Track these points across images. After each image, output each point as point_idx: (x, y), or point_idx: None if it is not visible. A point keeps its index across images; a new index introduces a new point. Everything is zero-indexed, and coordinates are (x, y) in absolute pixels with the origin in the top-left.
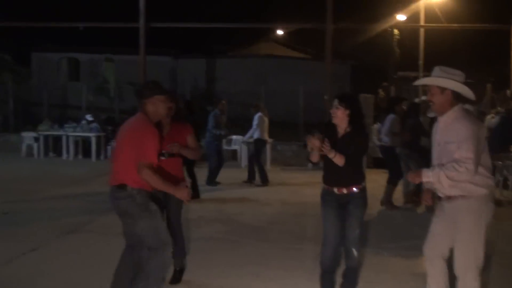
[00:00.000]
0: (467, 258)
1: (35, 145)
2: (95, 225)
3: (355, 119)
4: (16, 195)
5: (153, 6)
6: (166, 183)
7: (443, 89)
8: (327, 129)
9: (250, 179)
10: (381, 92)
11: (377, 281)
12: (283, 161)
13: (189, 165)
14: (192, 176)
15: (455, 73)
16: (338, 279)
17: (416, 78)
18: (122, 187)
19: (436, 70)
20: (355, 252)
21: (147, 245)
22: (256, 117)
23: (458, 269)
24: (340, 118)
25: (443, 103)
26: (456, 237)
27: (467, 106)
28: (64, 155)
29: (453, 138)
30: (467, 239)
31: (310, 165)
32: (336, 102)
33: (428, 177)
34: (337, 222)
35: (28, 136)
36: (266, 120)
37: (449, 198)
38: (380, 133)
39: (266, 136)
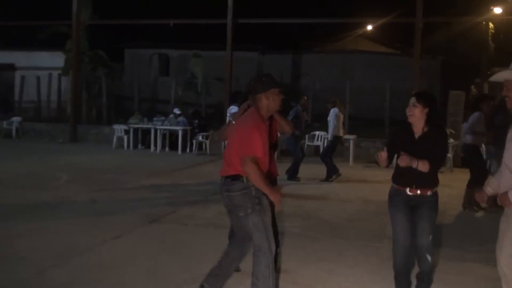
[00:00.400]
0: None
1: (125, 137)
2: (177, 216)
3: (433, 118)
4: (104, 184)
5: (241, 2)
6: (265, 182)
7: None
8: (402, 129)
9: (329, 176)
10: (473, 89)
11: (457, 284)
12: (367, 158)
13: None
14: None
15: None
16: (414, 279)
17: None
18: (236, 178)
19: None
20: (429, 257)
21: (255, 243)
22: (332, 112)
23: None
24: (418, 117)
25: None
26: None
27: None
28: (152, 148)
29: None
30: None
31: (393, 163)
32: (413, 100)
33: None
34: (408, 224)
35: (119, 128)
36: (341, 116)
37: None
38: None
39: (341, 133)
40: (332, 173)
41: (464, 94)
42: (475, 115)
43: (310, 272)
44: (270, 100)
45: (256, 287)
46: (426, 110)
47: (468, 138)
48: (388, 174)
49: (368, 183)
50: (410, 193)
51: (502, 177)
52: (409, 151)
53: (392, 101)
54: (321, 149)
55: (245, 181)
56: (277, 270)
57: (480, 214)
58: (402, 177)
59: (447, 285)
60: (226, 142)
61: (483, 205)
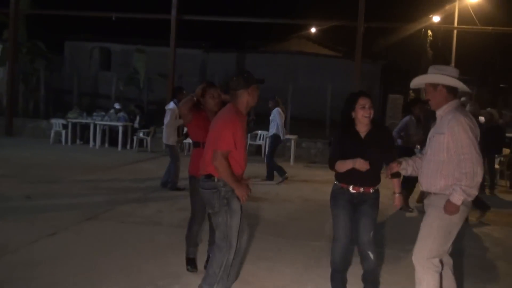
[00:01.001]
0: (420, 251)
1: (63, 132)
2: (115, 213)
3: (375, 118)
4: (40, 180)
5: None
6: (233, 177)
7: (435, 85)
8: (345, 131)
9: (269, 178)
10: (411, 94)
11: (391, 283)
12: (307, 158)
13: None
14: None
15: (447, 69)
16: (350, 279)
17: None
18: (208, 176)
19: (430, 68)
20: (371, 254)
21: (216, 240)
22: (275, 111)
23: (413, 259)
24: (372, 117)
25: (439, 99)
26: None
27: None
28: (91, 143)
29: (444, 129)
30: (423, 233)
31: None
32: (368, 100)
33: (459, 200)
34: (349, 221)
35: (57, 122)
36: (283, 115)
37: (428, 193)
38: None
39: (282, 133)
40: (280, 174)
41: (402, 98)
42: (405, 118)
43: (250, 269)
44: (251, 96)
45: (204, 280)
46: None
47: (398, 141)
48: (327, 174)
49: (309, 183)
50: (353, 191)
51: (424, 169)
52: (357, 151)
53: (334, 103)
54: (263, 149)
55: (215, 180)
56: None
57: (414, 214)
58: (346, 175)
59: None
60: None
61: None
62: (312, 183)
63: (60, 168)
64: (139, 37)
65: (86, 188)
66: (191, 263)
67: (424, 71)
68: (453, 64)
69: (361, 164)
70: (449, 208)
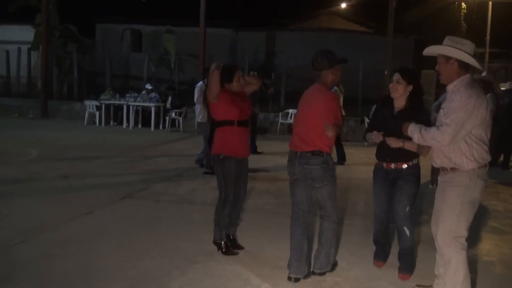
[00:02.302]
0: (446, 231)
1: (97, 114)
2: (150, 192)
3: (416, 95)
4: (76, 160)
5: None
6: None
7: (448, 58)
8: (384, 104)
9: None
10: None
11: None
12: (340, 136)
13: None
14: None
15: (463, 43)
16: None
17: (483, 54)
18: (317, 153)
19: (446, 39)
20: (407, 231)
21: (327, 213)
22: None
23: (438, 240)
24: (401, 93)
25: (450, 73)
26: (441, 209)
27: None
28: (124, 124)
29: (450, 104)
30: (447, 213)
31: (366, 142)
32: (397, 76)
33: (411, 132)
34: (384, 196)
35: (90, 104)
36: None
37: (442, 170)
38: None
39: None
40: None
41: (436, 74)
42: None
43: (283, 248)
44: (335, 75)
45: (320, 252)
46: (410, 87)
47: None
48: (359, 152)
49: None
50: (386, 167)
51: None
52: (387, 127)
53: (365, 80)
54: None
55: (325, 155)
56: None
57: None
58: (379, 152)
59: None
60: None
61: None
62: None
63: (95, 149)
64: (169, 18)
65: (121, 168)
66: (225, 247)
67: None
68: (488, 37)
69: (376, 136)
70: (404, 126)
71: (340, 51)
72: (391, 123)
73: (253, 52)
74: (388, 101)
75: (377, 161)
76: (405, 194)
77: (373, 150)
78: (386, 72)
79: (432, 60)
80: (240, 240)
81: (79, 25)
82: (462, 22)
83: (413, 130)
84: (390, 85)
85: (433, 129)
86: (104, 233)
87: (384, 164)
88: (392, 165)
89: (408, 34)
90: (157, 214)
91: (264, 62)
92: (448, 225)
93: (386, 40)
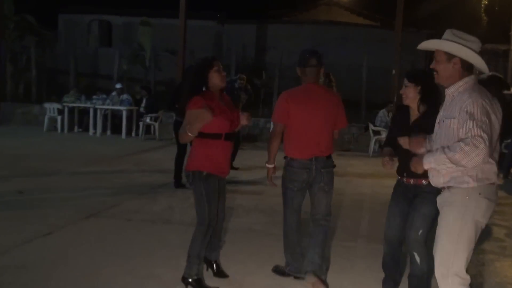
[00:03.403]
0: (442, 263)
1: (58, 118)
2: (120, 210)
3: (427, 95)
4: (33, 173)
5: None
6: None
7: (450, 56)
8: (399, 113)
9: None
10: None
11: None
12: (340, 145)
13: None
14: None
15: (469, 39)
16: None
17: (507, 52)
18: (330, 156)
19: (447, 33)
20: (417, 257)
21: (329, 216)
22: None
23: (435, 272)
24: (411, 98)
25: (451, 73)
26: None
27: None
28: (91, 131)
29: (456, 112)
30: (443, 240)
31: (371, 151)
32: (404, 80)
33: (430, 163)
34: (398, 216)
35: (51, 107)
36: None
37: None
38: None
39: None
40: None
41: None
42: None
43: (273, 275)
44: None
45: (321, 256)
46: (419, 88)
47: None
48: (363, 164)
49: (341, 174)
50: (406, 183)
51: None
52: (403, 136)
53: (370, 80)
54: None
55: (332, 158)
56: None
57: None
58: (400, 164)
59: None
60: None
61: None
62: (345, 175)
63: (56, 160)
64: (143, 7)
65: (86, 182)
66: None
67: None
68: None
69: (404, 142)
70: (414, 163)
71: (341, 47)
72: (409, 134)
73: (241, 48)
74: (404, 109)
75: (397, 174)
76: (419, 215)
77: (379, 161)
78: (394, 72)
79: None
80: (224, 266)
81: (38, 16)
82: (483, 15)
83: (433, 159)
84: (401, 91)
85: (458, 146)
86: (65, 257)
87: (404, 179)
88: (412, 181)
89: (420, 28)
90: (128, 235)
91: (254, 59)
92: (445, 254)
93: (394, 35)
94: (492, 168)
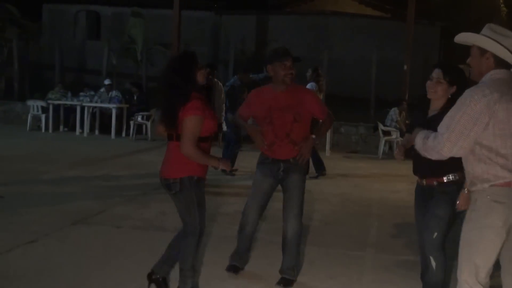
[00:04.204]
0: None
1: (43, 117)
2: (108, 216)
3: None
4: (15, 176)
5: None
6: None
7: (483, 51)
8: (419, 107)
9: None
10: None
11: None
12: (347, 146)
13: None
14: None
15: (506, 34)
16: None
17: None
18: None
19: (485, 28)
20: (433, 262)
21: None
22: (310, 87)
23: None
24: (440, 95)
25: (483, 69)
26: None
27: None
28: (78, 130)
29: None
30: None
31: (381, 153)
32: (438, 73)
33: (416, 137)
34: (420, 219)
35: (35, 105)
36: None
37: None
38: None
39: None
40: (320, 168)
41: (468, 70)
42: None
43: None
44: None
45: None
46: (453, 89)
47: None
48: (371, 166)
49: (349, 178)
50: (420, 184)
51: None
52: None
53: (380, 76)
54: None
55: None
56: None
57: None
58: (415, 164)
59: None
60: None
61: None
62: (352, 178)
63: (40, 161)
64: None
65: (72, 186)
66: None
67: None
68: None
69: (397, 152)
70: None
71: (348, 40)
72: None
73: (240, 41)
74: (424, 102)
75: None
76: (432, 216)
77: (389, 164)
78: (405, 67)
79: (464, 52)
80: (219, 276)
81: (21, 6)
82: (502, 6)
83: (419, 135)
84: (428, 84)
85: (434, 135)
86: (50, 267)
87: (418, 180)
88: (424, 181)
89: (434, 20)
90: (117, 243)
91: (253, 53)
92: (465, 262)
93: (406, 27)
94: (497, 166)
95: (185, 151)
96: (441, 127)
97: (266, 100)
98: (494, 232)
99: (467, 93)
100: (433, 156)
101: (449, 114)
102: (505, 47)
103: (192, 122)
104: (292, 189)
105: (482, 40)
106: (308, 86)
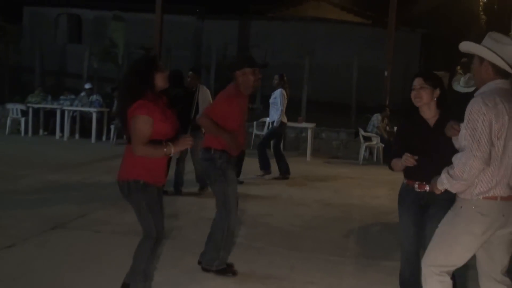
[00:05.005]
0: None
1: (22, 120)
2: (88, 220)
3: (444, 101)
4: None
5: None
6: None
7: (481, 60)
8: (409, 118)
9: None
10: (459, 70)
11: None
12: (328, 152)
13: None
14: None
15: (505, 42)
16: None
17: None
18: (207, 149)
19: (486, 37)
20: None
21: (217, 207)
22: (279, 93)
23: None
24: (426, 100)
25: (483, 77)
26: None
27: None
28: (58, 134)
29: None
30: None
31: (361, 159)
32: (419, 81)
33: (442, 184)
34: (412, 226)
35: (14, 108)
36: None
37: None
38: None
39: (285, 118)
40: (265, 168)
41: (448, 76)
42: None
43: None
44: (242, 78)
45: (208, 246)
46: (437, 92)
47: None
48: (352, 172)
49: (329, 183)
50: (418, 190)
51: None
52: (425, 142)
53: (361, 82)
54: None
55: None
56: None
57: None
58: (412, 169)
59: None
60: None
61: None
62: (333, 184)
63: (19, 165)
64: (116, 1)
65: (52, 190)
66: None
67: (475, 41)
68: None
69: (408, 161)
70: (432, 186)
71: (330, 45)
72: (430, 137)
73: (222, 46)
74: (414, 112)
75: (405, 180)
76: (437, 225)
77: (370, 170)
78: (386, 73)
79: (444, 60)
80: (201, 282)
81: (1, 8)
82: (481, 13)
83: (439, 179)
84: (412, 93)
85: (456, 160)
86: (28, 272)
87: (416, 186)
88: (427, 187)
89: (415, 27)
90: (97, 248)
91: (235, 58)
92: (429, 249)
93: (387, 33)
94: (493, 180)
95: (137, 152)
96: (462, 140)
97: (242, 104)
98: (473, 239)
99: (477, 101)
100: (469, 176)
101: (466, 126)
102: (499, 55)
103: (137, 122)
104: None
105: (478, 49)
106: (278, 92)
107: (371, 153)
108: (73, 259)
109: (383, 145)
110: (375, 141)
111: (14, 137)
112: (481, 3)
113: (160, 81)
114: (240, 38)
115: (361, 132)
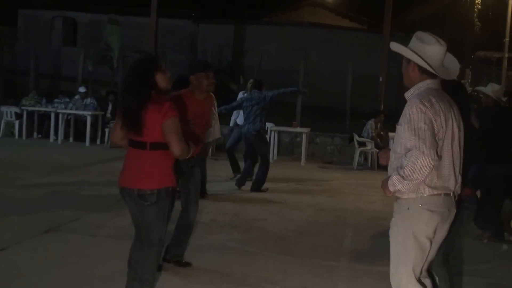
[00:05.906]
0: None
1: (16, 123)
2: (82, 224)
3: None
4: None
5: None
6: None
7: (408, 60)
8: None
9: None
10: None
11: None
12: (322, 157)
13: None
14: None
15: (429, 41)
16: None
17: (500, 60)
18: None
19: (413, 36)
20: (436, 277)
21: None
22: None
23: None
24: None
25: (411, 77)
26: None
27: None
28: (52, 137)
29: (402, 119)
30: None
31: (355, 164)
32: None
33: (393, 186)
34: None
35: (8, 111)
36: None
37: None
38: None
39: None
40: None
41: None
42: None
43: None
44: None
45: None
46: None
47: None
48: (347, 177)
49: (323, 188)
50: None
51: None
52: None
53: (356, 87)
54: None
55: None
56: None
57: None
58: None
59: None
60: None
61: None
62: (327, 189)
63: (12, 168)
64: (112, 4)
65: (46, 194)
66: None
67: (471, 48)
68: (507, 39)
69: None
70: (382, 187)
71: (325, 50)
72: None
73: (217, 50)
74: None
75: None
76: (449, 233)
77: (364, 175)
78: (381, 79)
79: None
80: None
81: None
82: (476, 20)
83: (390, 181)
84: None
85: (404, 159)
86: (21, 276)
87: None
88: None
89: (409, 33)
90: (91, 252)
91: (231, 62)
92: (395, 266)
93: (382, 39)
94: (441, 176)
95: (178, 151)
96: (407, 142)
97: (189, 105)
98: (426, 237)
99: (415, 102)
100: (420, 175)
101: (409, 128)
102: (420, 56)
103: (175, 122)
104: None
105: (402, 50)
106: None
107: (365, 159)
108: (66, 262)
109: (377, 150)
110: (370, 147)
111: (8, 140)
112: (476, 10)
113: (162, 81)
114: (235, 43)
115: (356, 137)
